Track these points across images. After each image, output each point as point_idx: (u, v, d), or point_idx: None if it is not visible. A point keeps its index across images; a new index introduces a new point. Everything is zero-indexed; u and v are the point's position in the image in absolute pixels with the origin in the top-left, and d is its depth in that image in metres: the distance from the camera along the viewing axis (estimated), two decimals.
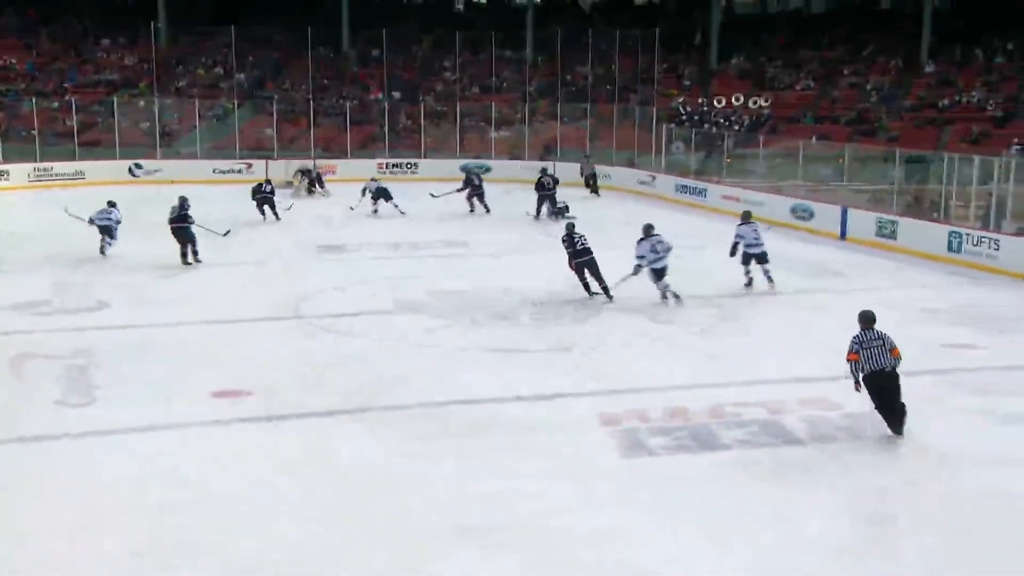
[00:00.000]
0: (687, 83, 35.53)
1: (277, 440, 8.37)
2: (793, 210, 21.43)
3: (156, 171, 30.81)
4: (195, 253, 16.48)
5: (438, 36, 39.97)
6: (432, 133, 35.01)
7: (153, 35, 36.79)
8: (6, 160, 29.75)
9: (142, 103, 34.83)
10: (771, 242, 15.00)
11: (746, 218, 14.86)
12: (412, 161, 32.89)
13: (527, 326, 12.36)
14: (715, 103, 33.15)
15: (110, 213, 17.74)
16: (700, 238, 19.28)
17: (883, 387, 8.19)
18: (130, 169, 30.73)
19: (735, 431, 8.50)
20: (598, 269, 13.60)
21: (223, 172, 31.12)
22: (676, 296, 13.32)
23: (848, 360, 8.30)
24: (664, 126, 30.20)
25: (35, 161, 29.84)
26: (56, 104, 34.20)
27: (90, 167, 30.23)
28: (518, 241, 19.28)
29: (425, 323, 12.36)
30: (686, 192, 26.33)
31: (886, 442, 8.32)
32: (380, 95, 37.24)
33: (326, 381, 9.92)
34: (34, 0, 40.11)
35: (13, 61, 37.31)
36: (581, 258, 13.70)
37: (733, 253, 14.48)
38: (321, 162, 30.70)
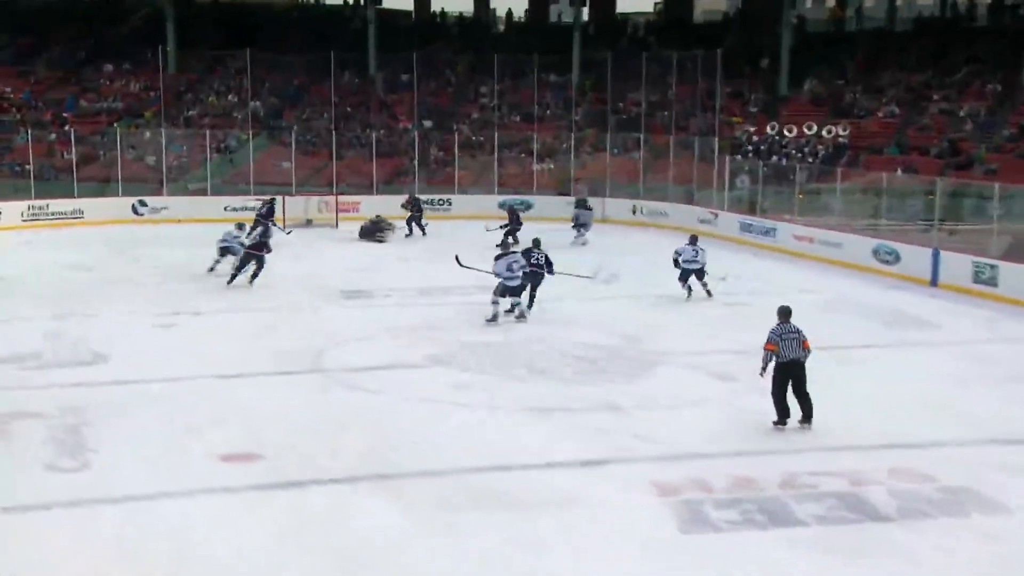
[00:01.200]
0: (753, 110, 35.58)
1: (289, 509, 8.41)
2: (876, 252, 21.29)
3: (162, 209, 31.38)
4: (254, 275, 18.46)
5: (474, 59, 40.56)
6: (467, 166, 35.36)
7: (161, 60, 37.73)
8: None
9: (147, 134, 35.62)
10: (849, 288, 14.94)
11: (692, 241, 18.24)
12: (445, 197, 33.17)
13: (570, 382, 12.34)
14: (785, 132, 33.12)
15: (236, 236, 20.08)
16: (768, 281, 19.20)
17: (796, 377, 10.29)
18: (133, 207, 31.32)
19: (811, 505, 8.42)
20: (537, 288, 16.44)
21: (235, 210, 31.57)
22: (522, 316, 15.68)
23: (765, 349, 10.30)
24: (727, 158, 30.22)
25: (29, 198, 30.48)
26: (53, 135, 35.06)
27: (90, 205, 30.86)
28: (559, 287, 19.31)
29: (456, 378, 12.41)
30: (752, 231, 26.25)
31: (986, 520, 8.19)
32: (410, 124, 37.76)
33: (344, 443, 9.95)
34: (30, 24, 41.31)
35: (7, 89, 38.28)
36: (530, 268, 16.30)
37: (677, 265, 17.84)
38: (343, 198, 31.11)
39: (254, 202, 31.41)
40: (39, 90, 38.85)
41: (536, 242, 17.27)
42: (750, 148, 32.58)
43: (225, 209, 31.43)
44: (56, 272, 20.50)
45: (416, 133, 36.13)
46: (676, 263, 17.89)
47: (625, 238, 27.35)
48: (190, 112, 38.20)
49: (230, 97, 39.34)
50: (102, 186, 32.59)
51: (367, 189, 32.56)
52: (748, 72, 36.81)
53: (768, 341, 10.34)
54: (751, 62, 37.14)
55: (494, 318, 15.58)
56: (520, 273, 15.77)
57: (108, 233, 27.58)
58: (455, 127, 36.99)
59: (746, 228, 26.54)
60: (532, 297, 16.44)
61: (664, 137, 33.80)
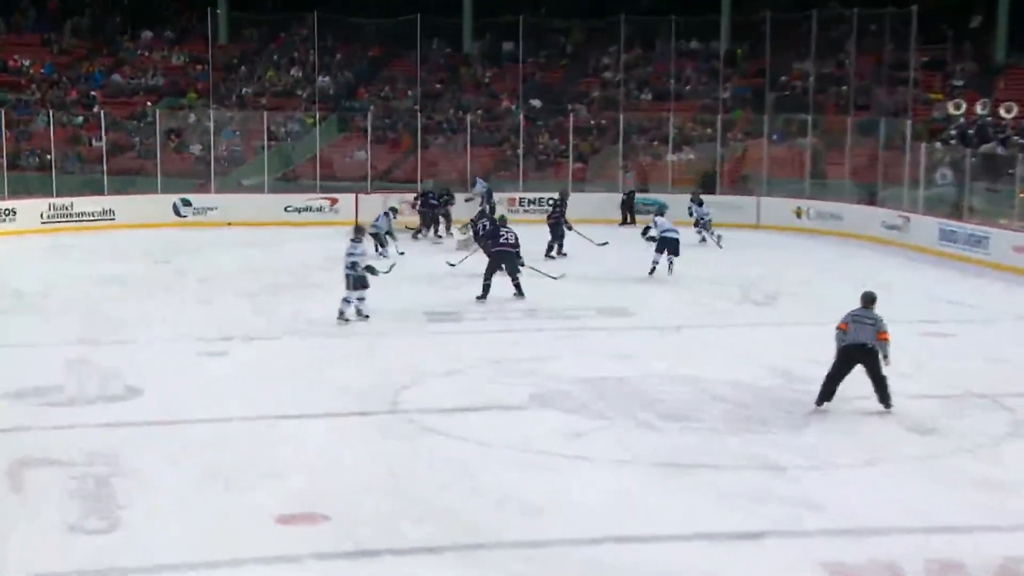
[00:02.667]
0: (958, 84, 34.75)
1: None
2: None
3: (209, 209, 32.30)
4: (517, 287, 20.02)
5: (593, 24, 40.65)
6: (585, 156, 35.51)
7: (210, 26, 38.80)
8: (13, 195, 31.34)
9: (193, 117, 36.71)
10: None
11: (660, 211, 23.69)
12: (557, 195, 33.25)
13: (714, 432, 12.26)
14: (1002, 112, 32.25)
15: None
16: (977, 306, 18.80)
17: (863, 363, 12.45)
18: (175, 207, 32.25)
19: None
20: (516, 266, 19.48)
21: (298, 211, 32.35)
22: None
23: (837, 328, 12.57)
24: (923, 146, 29.65)
25: (51, 196, 31.46)
26: (80, 119, 36.30)
27: (122, 204, 31.85)
28: (701, 308, 19.42)
29: (569, 423, 12.43)
30: (955, 241, 25.74)
31: None
32: (513, 106, 38.10)
33: (428, 503, 10.02)
34: None
35: (26, 63, 39.42)
36: (502, 248, 19.64)
37: (645, 233, 22.38)
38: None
39: (320, 202, 32.27)
40: (63, 63, 40.06)
41: (503, 219, 20.48)
42: (954, 133, 31.87)
43: (286, 210, 32.25)
44: (82, 287, 21.23)
45: (521, 116, 36.46)
46: (646, 230, 22.58)
47: (785, 248, 27.14)
48: (244, 91, 39.23)
49: (293, 72, 40.31)
50: (138, 181, 33.58)
51: (459, 185, 32.92)
52: (952, 35, 36.04)
53: (842, 320, 12.63)
54: (956, 22, 36.32)
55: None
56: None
57: (145, 239, 28.53)
58: (569, 108, 37.21)
59: (948, 236, 26.04)
60: (516, 284, 19.74)
61: (839, 119, 33.41)
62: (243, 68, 40.65)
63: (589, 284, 21.98)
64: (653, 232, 22.61)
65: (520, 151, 35.20)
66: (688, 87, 38.12)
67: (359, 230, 18.76)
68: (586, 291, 21.19)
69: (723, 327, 17.79)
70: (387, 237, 25.21)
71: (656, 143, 35.58)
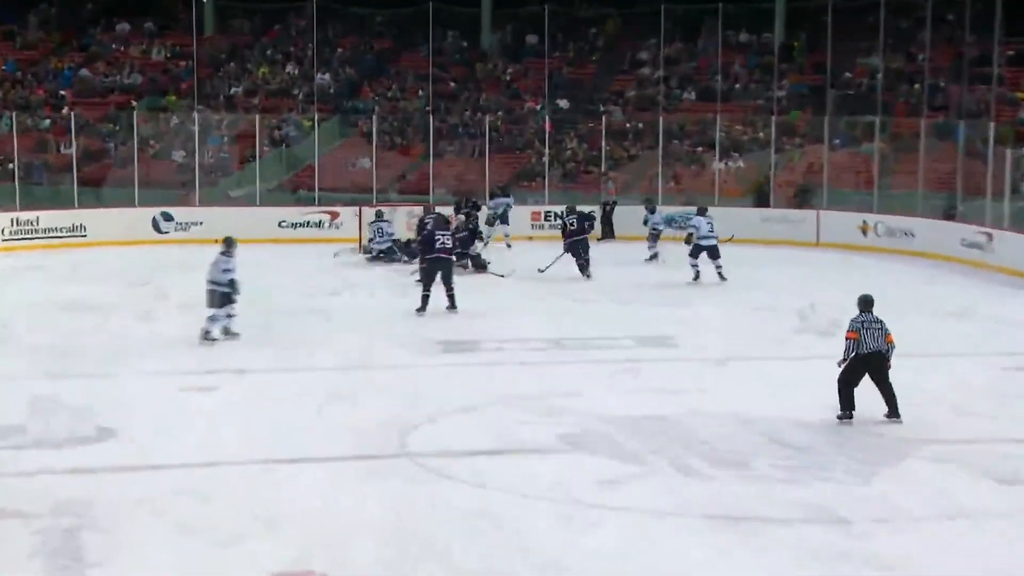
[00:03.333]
0: None
1: None
2: None
3: (193, 224, 32.48)
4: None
5: (629, 12, 40.69)
6: (620, 163, 35.51)
7: (195, 16, 38.99)
8: None
9: (175, 120, 36.90)
10: None
11: (702, 211, 24.86)
12: (587, 209, 33.18)
13: (770, 480, 12.25)
14: None
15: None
16: None
17: (875, 368, 13.70)
18: (155, 222, 32.37)
19: None
20: (451, 276, 21.12)
21: (294, 226, 32.46)
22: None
23: (847, 338, 13.77)
24: (1008, 152, 29.56)
25: (14, 210, 31.60)
26: (48, 122, 36.55)
27: (94, 218, 31.99)
28: (754, 337, 19.41)
29: (603, 469, 12.42)
30: None
31: None
32: (538, 106, 38.19)
33: (441, 560, 10.01)
34: None
35: None
36: (437, 255, 20.88)
37: (688, 242, 24.47)
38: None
39: (319, 216, 32.33)
40: (29, 58, 40.33)
41: (445, 219, 22.75)
42: None
43: (281, 225, 32.35)
44: (49, 313, 21.32)
45: (546, 119, 36.52)
46: (688, 240, 24.45)
47: (849, 269, 27.07)
48: (234, 90, 39.48)
49: (288, 68, 40.54)
50: (113, 192, 33.74)
51: (477, 196, 33.00)
52: None
53: (850, 329, 13.78)
54: None
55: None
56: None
57: (121, 258, 28.72)
58: (602, 109, 37.32)
59: None
60: (450, 295, 21.07)
61: (911, 121, 33.36)
62: (232, 64, 40.92)
63: (621, 307, 22.12)
64: (694, 237, 24.55)
65: (545, 158, 35.29)
66: (737, 85, 38.19)
67: (230, 242, 18.96)
68: (619, 316, 21.33)
69: (780, 359, 17.76)
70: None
71: (700, 149, 35.64)
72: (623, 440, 13.38)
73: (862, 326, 13.73)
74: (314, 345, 18.53)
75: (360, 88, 40.17)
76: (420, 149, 36.21)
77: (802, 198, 33.43)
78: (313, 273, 25.85)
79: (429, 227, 22.67)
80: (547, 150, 35.41)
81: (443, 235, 21.34)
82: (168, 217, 32.47)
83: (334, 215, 32.65)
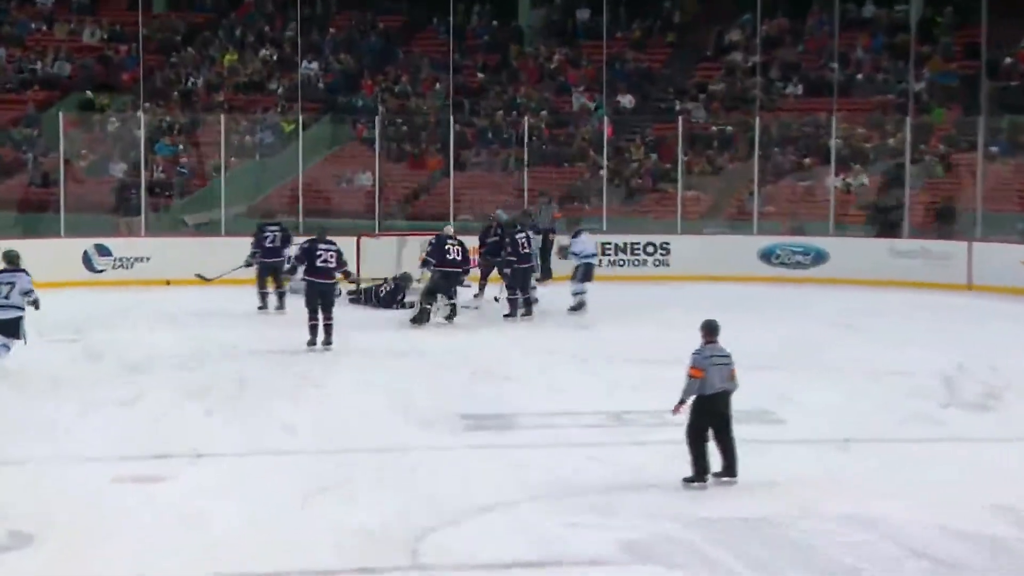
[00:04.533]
0: None
1: None
2: None
3: (138, 260, 32.59)
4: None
5: None
6: (700, 180, 35.43)
7: None
8: None
9: (115, 123, 37.04)
10: None
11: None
12: (659, 240, 33.27)
13: None
14: None
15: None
16: None
17: (720, 414, 14.67)
18: (87, 257, 32.38)
19: None
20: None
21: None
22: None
23: (691, 376, 14.64)
24: None
25: None
26: None
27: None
28: (882, 411, 19.40)
29: None
30: None
31: None
32: (594, 103, 38.20)
33: None
34: None
35: None
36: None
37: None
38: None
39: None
40: None
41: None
42: None
43: (249, 265, 32.08)
44: None
45: (604, 120, 36.46)
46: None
47: (1012, 320, 26.87)
48: (192, 83, 39.68)
49: (263, 54, 40.73)
50: (31, 219, 33.87)
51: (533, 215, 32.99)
52: None
53: (693, 365, 14.72)
54: None
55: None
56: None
57: (42, 305, 28.53)
58: (678, 108, 37.30)
59: None
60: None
61: None
62: (189, 49, 41.14)
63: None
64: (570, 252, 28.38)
65: (603, 173, 35.19)
66: (859, 75, 38.11)
67: (11, 257, 19.86)
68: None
69: (919, 441, 17.65)
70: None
71: (809, 160, 35.51)
72: (709, 549, 13.26)
73: (708, 361, 14.65)
74: (295, 419, 18.46)
75: (359, 81, 40.33)
76: (437, 161, 36.22)
77: (943, 223, 33.11)
78: (294, 323, 25.81)
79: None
80: (605, 162, 35.30)
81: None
82: (104, 251, 32.46)
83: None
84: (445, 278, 23.85)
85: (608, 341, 24.69)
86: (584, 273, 27.82)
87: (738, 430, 18.00)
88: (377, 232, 32.25)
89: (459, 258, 23.86)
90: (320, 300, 22.73)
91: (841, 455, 16.97)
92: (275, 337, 24.93)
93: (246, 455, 16.98)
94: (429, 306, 22.66)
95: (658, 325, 25.38)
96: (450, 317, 24.14)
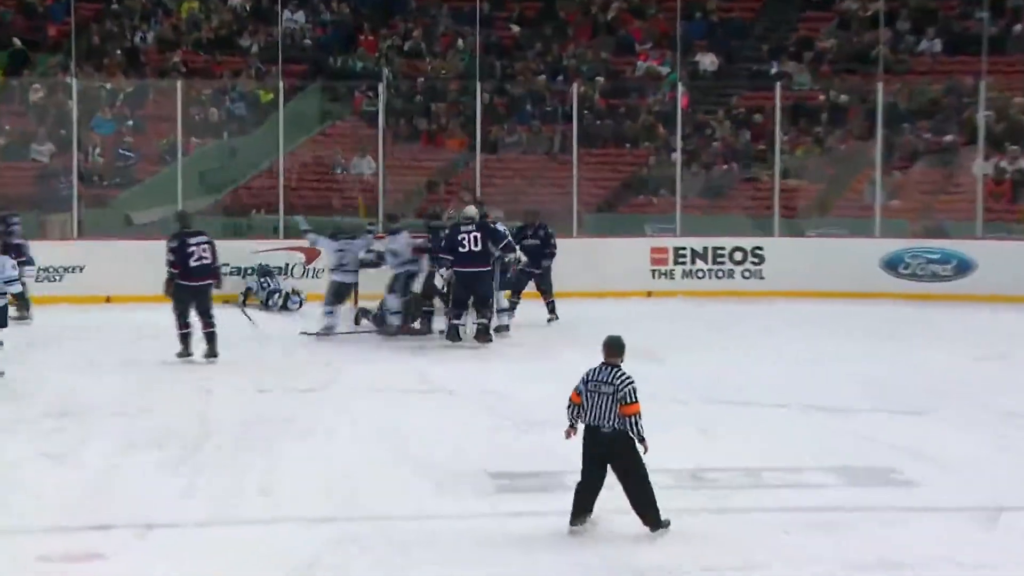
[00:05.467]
0: None
1: None
2: None
3: (66, 271, 32.82)
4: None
5: None
6: (804, 166, 35.34)
7: None
8: None
9: (36, 91, 37.12)
10: None
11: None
12: (750, 244, 33.24)
13: None
14: None
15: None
16: None
17: (598, 456, 15.47)
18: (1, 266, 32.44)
19: None
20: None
21: (243, 273, 32.36)
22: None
23: (570, 401, 15.69)
24: None
25: None
26: None
27: None
28: None
29: None
30: None
31: None
32: (663, 65, 38.17)
33: None
34: None
35: None
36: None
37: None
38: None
39: (287, 255, 32.37)
40: None
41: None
42: None
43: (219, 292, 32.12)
44: None
45: (678, 86, 36.38)
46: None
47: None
48: (138, 39, 39.74)
49: (234, 2, 40.76)
50: None
51: (561, 221, 33.17)
52: None
53: (575, 389, 15.68)
54: None
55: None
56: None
57: None
58: (775, 71, 37.24)
59: None
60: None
61: None
62: None
63: (800, 415, 22.19)
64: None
65: (677, 155, 35.12)
66: (1019, 25, 37.92)
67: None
68: (797, 430, 21.36)
69: None
70: None
71: (950, 138, 35.38)
72: None
73: (585, 386, 15.45)
74: (274, 478, 18.52)
75: (356, 37, 40.36)
76: (460, 141, 36.22)
77: None
78: (275, 353, 25.83)
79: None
80: (680, 142, 35.24)
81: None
82: (25, 260, 32.25)
83: (311, 254, 32.54)
84: (463, 282, 23.98)
85: (682, 376, 24.60)
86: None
87: (856, 494, 18.07)
88: (381, 232, 32.20)
89: (476, 249, 23.92)
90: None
91: (990, 530, 16.93)
92: (250, 369, 24.98)
93: (209, 525, 16.88)
94: (457, 320, 21.99)
95: (747, 355, 25.65)
96: (484, 336, 23.97)
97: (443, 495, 17.91)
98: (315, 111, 37.99)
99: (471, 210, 26.96)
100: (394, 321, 27.48)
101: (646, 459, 16.48)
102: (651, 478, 17.95)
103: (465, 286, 25.14)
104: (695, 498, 18.04)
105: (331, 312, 27.93)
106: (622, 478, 15.42)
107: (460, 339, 25.65)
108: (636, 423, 15.18)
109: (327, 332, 27.93)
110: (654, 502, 15.47)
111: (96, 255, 32.66)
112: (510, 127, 36.99)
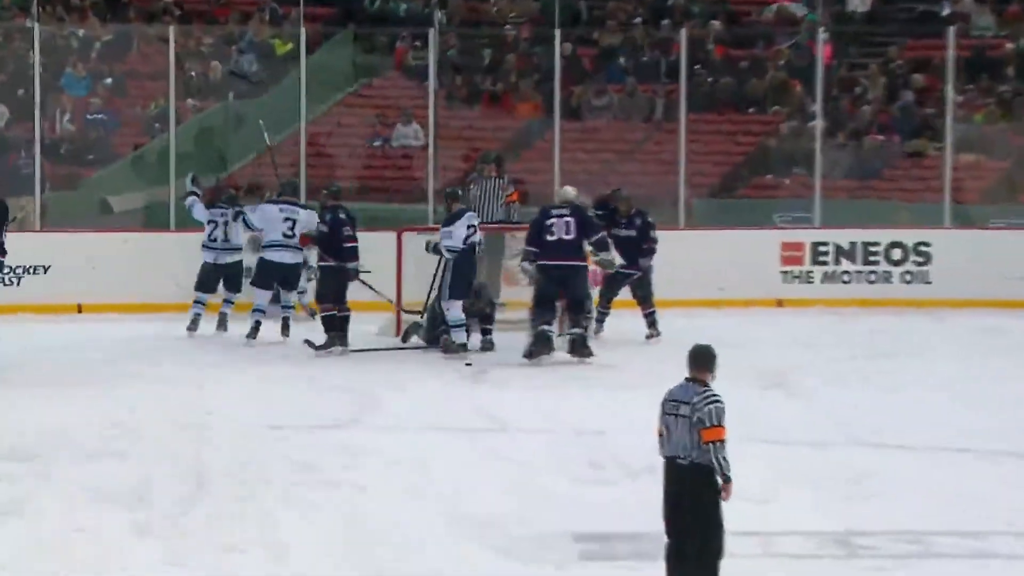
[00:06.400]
0: None
1: None
2: None
3: (27, 271, 33.06)
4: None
5: None
6: (984, 137, 35.28)
7: None
8: None
9: None
10: None
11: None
12: (912, 238, 33.22)
13: None
14: None
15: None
16: None
17: (672, 495, 15.24)
18: None
19: None
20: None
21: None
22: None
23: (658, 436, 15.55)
24: None
25: None
26: None
27: None
28: None
29: None
30: None
31: None
32: (798, 4, 38.15)
33: None
34: None
35: None
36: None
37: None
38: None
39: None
40: None
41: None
42: None
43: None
44: None
45: (819, 33, 36.34)
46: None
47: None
48: None
49: None
50: None
51: (664, 208, 33.41)
52: None
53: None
54: None
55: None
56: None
57: None
58: (946, 14, 37.18)
59: None
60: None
61: None
62: None
63: (992, 462, 22.11)
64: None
65: (818, 123, 35.07)
66: None
67: None
68: (985, 479, 21.27)
69: None
70: None
71: None
72: None
73: (663, 409, 15.45)
74: (292, 539, 18.40)
75: None
76: (534, 105, 36.26)
77: None
78: (295, 377, 25.86)
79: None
80: (820, 104, 35.18)
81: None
82: None
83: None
84: (552, 279, 24.03)
85: (823, 411, 24.73)
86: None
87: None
88: (421, 227, 32.18)
89: (568, 238, 24.02)
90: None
91: None
92: (257, 397, 24.91)
93: None
94: (547, 327, 21.80)
95: (908, 384, 25.72)
96: (581, 350, 24.08)
97: (510, 563, 17.83)
98: (346, 66, 38.09)
99: (569, 191, 27.06)
100: (459, 338, 27.30)
101: (752, 518, 16.63)
102: (783, 542, 18.00)
103: (555, 284, 25.19)
104: (845, 571, 18.09)
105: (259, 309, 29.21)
106: (693, 517, 15.24)
107: (554, 349, 25.76)
108: (718, 453, 14.92)
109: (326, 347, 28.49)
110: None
111: (64, 252, 32.79)
112: (598, 87, 36.99)
